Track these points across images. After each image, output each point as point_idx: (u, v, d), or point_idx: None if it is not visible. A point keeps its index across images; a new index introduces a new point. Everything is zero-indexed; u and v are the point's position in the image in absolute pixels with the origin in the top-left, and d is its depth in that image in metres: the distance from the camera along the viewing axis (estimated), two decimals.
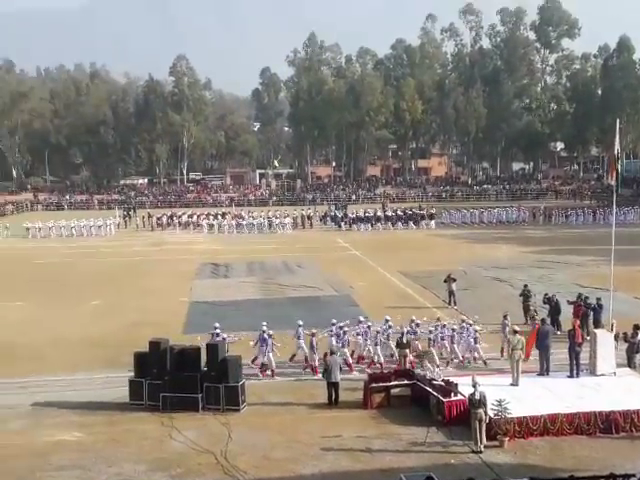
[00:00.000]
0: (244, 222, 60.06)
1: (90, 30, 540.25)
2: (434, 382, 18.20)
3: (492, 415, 16.42)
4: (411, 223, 60.46)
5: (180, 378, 18.57)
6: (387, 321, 22.47)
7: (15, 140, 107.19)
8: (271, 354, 21.11)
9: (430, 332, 22.23)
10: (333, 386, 18.84)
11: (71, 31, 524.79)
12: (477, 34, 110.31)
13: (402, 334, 21.65)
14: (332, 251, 47.66)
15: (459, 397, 17.41)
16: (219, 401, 18.36)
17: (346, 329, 22.01)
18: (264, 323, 21.93)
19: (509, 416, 16.48)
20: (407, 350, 21.25)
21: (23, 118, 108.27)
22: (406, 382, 19.03)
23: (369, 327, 22.25)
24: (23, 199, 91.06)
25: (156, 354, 19.03)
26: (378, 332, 21.85)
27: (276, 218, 60.62)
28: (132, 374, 19.26)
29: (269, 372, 21.06)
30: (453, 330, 22.10)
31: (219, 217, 61.92)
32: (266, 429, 17.24)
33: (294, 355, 21.99)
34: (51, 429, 17.49)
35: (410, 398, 18.85)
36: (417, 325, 22.40)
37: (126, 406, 18.84)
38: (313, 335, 21.43)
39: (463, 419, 16.83)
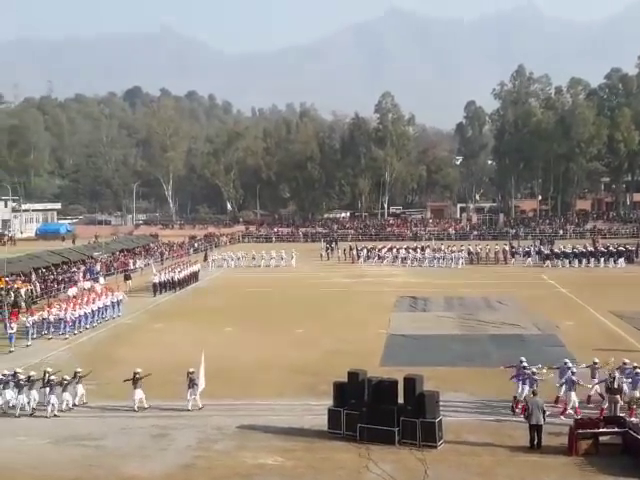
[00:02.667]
0: (442, 256, 59.61)
1: (299, 72, 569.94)
2: None
3: None
4: (602, 260, 56.64)
5: (377, 410, 18.64)
6: (595, 364, 21.24)
7: (230, 176, 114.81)
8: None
9: None
10: (536, 429, 17.96)
11: (283, 72, 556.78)
12: None
13: (613, 378, 20.21)
14: (536, 288, 45.74)
15: None
16: (415, 436, 18.16)
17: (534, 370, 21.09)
18: (522, 358, 21.79)
19: None
20: (618, 396, 19.77)
21: (238, 155, 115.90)
22: (617, 430, 17.70)
23: (569, 370, 20.95)
24: (236, 231, 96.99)
25: (354, 385, 19.29)
26: (574, 374, 20.60)
27: (451, 252, 59.69)
28: (331, 403, 19.63)
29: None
30: None
31: (418, 251, 61.82)
32: (464, 469, 16.77)
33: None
34: (254, 452, 18.21)
35: (621, 447, 17.49)
36: None
37: (324, 434, 19.21)
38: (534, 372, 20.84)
39: None
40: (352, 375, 19.54)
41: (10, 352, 29.64)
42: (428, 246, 64.38)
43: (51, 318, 33.05)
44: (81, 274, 49.21)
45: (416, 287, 46.42)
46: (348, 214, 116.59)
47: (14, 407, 21.81)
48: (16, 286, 41.59)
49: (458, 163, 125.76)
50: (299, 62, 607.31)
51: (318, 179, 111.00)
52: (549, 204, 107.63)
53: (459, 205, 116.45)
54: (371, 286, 47.65)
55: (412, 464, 17.05)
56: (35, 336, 31.99)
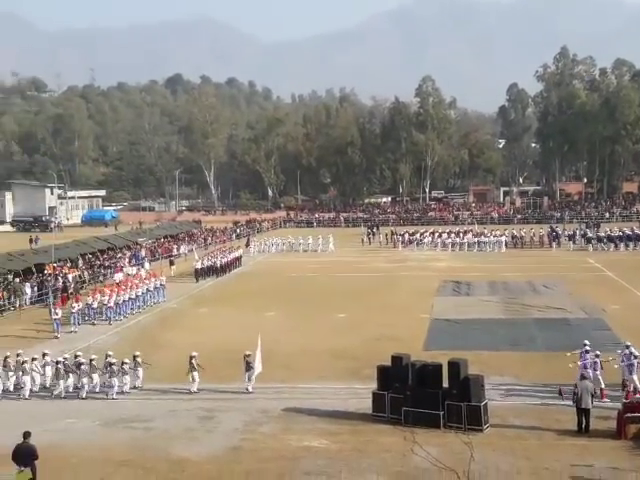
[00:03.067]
0: (483, 240, 59.18)
1: (338, 57, 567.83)
2: None
3: None
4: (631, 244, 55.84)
5: (421, 394, 18.62)
6: None
7: (271, 162, 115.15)
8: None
9: None
10: (584, 413, 17.78)
11: (322, 58, 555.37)
12: None
13: None
14: (582, 271, 45.07)
15: None
16: (461, 420, 18.11)
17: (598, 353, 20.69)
18: (586, 342, 21.41)
19: None
20: None
21: (279, 142, 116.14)
22: None
23: (632, 354, 20.54)
24: (277, 217, 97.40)
25: (398, 369, 19.30)
26: (636, 357, 20.23)
27: (493, 237, 59.34)
28: (375, 386, 19.66)
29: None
30: None
31: (460, 235, 61.34)
32: (510, 452, 16.68)
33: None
34: (300, 434, 18.35)
35: None
36: None
37: (369, 417, 19.26)
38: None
39: None
40: (396, 359, 19.55)
41: (56, 338, 30.12)
42: (470, 230, 63.82)
43: (95, 304, 33.42)
44: (127, 260, 49.95)
45: (459, 271, 46.13)
46: (389, 199, 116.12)
47: (76, 389, 22.28)
48: (64, 272, 42.40)
49: (501, 146, 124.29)
50: (338, 47, 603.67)
51: (359, 164, 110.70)
52: (595, 187, 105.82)
53: (502, 189, 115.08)
54: (413, 271, 47.47)
55: (458, 448, 17.01)
56: (80, 322, 32.37)
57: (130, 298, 35.01)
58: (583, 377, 18.73)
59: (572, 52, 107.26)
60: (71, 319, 32.00)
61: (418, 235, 63.34)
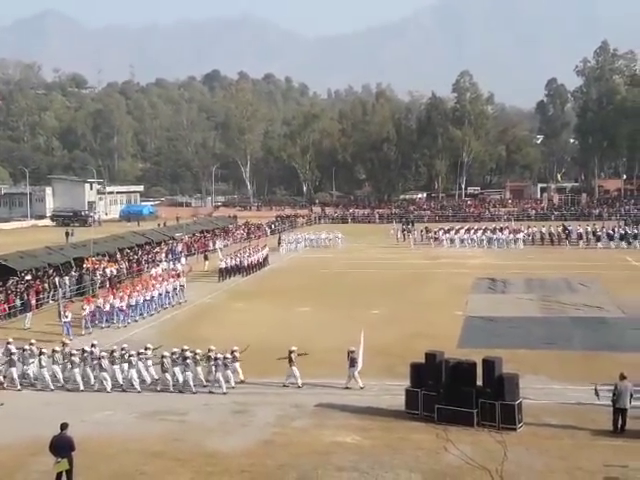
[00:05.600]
0: (519, 237, 58.75)
1: (378, 52, 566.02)
2: None
3: None
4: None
5: (455, 392, 18.56)
6: None
7: (306, 158, 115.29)
8: None
9: None
10: (620, 413, 17.55)
11: (361, 54, 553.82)
12: None
13: None
14: (620, 270, 44.37)
15: None
16: (495, 418, 18.02)
17: None
18: None
19: None
20: None
21: (314, 137, 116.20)
22: None
23: None
24: (312, 213, 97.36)
25: (432, 366, 19.27)
26: None
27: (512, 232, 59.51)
28: (408, 383, 19.66)
29: None
30: None
31: (496, 232, 60.85)
32: (544, 452, 16.57)
33: None
34: (332, 430, 18.43)
35: None
36: None
37: (402, 414, 19.26)
38: None
39: None
40: (429, 356, 19.50)
41: (68, 341, 27.20)
42: (507, 227, 63.20)
43: (107, 307, 31.81)
44: (163, 254, 50.46)
45: (495, 268, 45.74)
46: (424, 195, 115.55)
47: (184, 383, 22.22)
48: (103, 266, 42.92)
49: (539, 142, 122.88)
50: (377, 43, 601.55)
51: (394, 160, 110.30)
52: (635, 184, 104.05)
53: (540, 185, 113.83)
54: (448, 267, 47.17)
55: (491, 446, 16.93)
56: (90, 325, 30.85)
57: (145, 300, 33.30)
58: (623, 376, 18.45)
59: (612, 46, 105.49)
60: (82, 322, 30.57)
61: (453, 232, 62.94)
